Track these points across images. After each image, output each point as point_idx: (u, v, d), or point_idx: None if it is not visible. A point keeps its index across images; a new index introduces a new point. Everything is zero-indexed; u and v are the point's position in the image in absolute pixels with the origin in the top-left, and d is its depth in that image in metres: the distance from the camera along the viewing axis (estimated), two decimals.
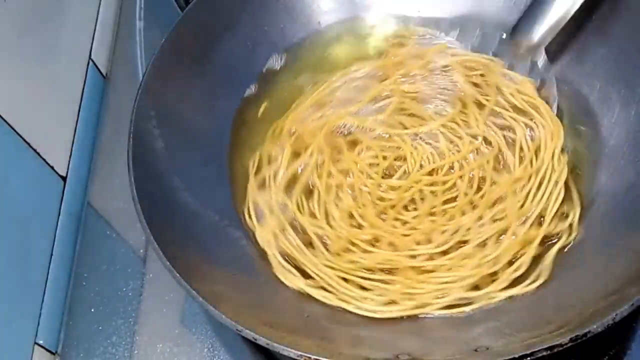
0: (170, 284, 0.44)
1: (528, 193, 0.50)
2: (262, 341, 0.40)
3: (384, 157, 0.54)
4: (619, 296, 0.40)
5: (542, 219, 0.49)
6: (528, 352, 0.38)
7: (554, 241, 0.48)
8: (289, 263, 0.50)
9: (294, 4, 0.60)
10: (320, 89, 0.58)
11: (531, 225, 0.49)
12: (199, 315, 0.52)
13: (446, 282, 0.47)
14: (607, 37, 0.53)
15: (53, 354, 0.53)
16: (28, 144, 0.54)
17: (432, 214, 0.51)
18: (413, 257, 0.49)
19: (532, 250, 0.47)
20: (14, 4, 0.54)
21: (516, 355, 0.38)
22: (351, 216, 0.52)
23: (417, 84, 0.57)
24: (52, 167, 0.57)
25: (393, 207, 0.51)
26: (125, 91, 0.63)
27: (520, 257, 0.48)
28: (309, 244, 0.51)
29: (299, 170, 0.54)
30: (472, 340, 0.43)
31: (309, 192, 0.54)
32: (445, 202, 0.51)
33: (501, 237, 0.49)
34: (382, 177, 0.53)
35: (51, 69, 0.59)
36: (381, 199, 0.52)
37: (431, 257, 0.49)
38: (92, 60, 0.65)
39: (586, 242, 0.47)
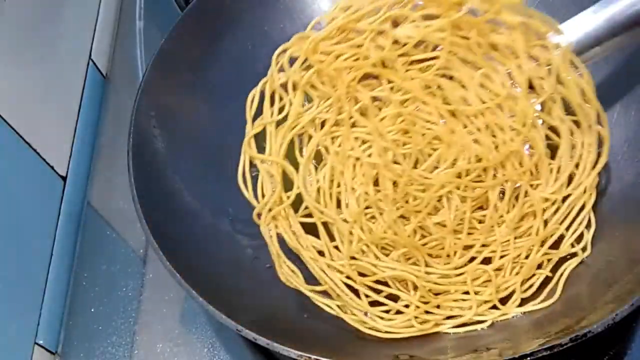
0: (170, 284, 0.44)
1: (554, 213, 0.47)
2: (262, 341, 0.40)
3: (416, 136, 0.45)
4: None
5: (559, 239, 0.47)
6: (528, 352, 0.38)
7: (566, 259, 0.46)
8: (289, 257, 0.48)
9: (294, 4, 0.60)
10: (351, 9, 0.47)
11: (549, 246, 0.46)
12: (199, 315, 0.52)
13: (461, 307, 0.45)
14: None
15: (53, 354, 0.53)
16: (28, 144, 0.54)
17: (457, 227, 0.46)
18: (429, 273, 0.46)
19: (545, 272, 0.46)
20: (14, 4, 0.54)
21: (516, 356, 0.38)
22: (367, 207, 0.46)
23: (471, 40, 0.46)
24: (52, 167, 0.57)
25: (418, 212, 0.45)
26: (125, 91, 0.63)
27: (532, 276, 0.46)
28: (312, 227, 0.46)
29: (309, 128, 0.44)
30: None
31: (318, 160, 0.48)
32: (472, 210, 0.46)
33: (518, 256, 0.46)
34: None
35: (51, 69, 0.59)
36: (408, 194, 0.46)
37: (446, 275, 0.46)
38: (92, 60, 0.65)
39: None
